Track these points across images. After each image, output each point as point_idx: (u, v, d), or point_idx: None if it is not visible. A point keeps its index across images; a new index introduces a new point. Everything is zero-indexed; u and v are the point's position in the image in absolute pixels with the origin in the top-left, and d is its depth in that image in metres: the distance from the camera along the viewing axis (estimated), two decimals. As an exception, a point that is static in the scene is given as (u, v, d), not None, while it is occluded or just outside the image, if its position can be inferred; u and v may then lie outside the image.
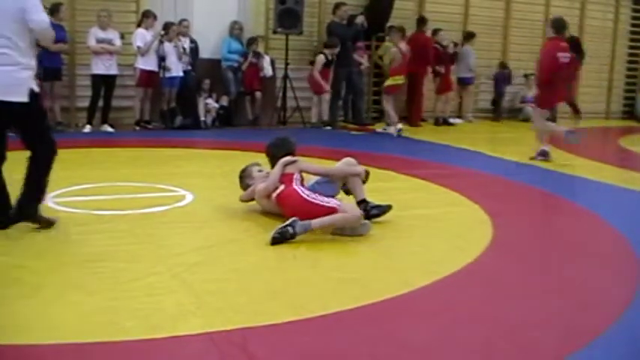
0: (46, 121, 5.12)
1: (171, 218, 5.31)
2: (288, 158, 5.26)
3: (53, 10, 9.77)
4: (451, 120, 13.13)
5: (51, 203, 5.53)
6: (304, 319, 3.33)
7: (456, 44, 13.30)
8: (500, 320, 3.46)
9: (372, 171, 7.15)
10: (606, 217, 5.67)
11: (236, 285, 3.86)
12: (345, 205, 4.86)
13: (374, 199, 5.37)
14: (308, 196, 4.89)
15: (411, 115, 12.67)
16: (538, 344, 3.18)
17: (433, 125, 12.89)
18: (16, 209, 4.78)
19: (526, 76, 14.63)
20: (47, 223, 4.81)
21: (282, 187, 5.09)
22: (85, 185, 6.21)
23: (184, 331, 3.13)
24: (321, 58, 11.54)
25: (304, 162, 5.34)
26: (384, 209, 5.29)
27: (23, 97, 4.56)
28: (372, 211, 5.21)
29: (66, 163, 7.46)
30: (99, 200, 5.70)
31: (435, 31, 13.02)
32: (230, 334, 3.12)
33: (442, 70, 12.97)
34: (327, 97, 11.75)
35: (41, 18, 4.58)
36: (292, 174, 5.12)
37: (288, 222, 4.62)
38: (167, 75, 10.68)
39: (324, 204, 4.79)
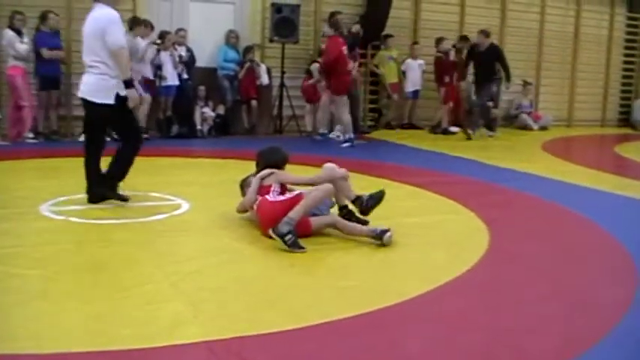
0: (130, 121, 6.00)
1: (167, 227, 5.31)
2: (265, 172, 5.27)
3: (42, 18, 9.80)
4: (451, 128, 13.10)
5: (48, 212, 5.53)
6: (302, 327, 3.33)
7: (458, 50, 13.25)
8: (498, 327, 3.47)
9: (368, 179, 7.20)
10: (603, 224, 5.68)
11: (233, 293, 3.86)
12: (314, 188, 4.94)
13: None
14: (275, 198, 4.96)
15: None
16: (537, 350, 3.19)
17: (428, 133, 12.88)
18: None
19: (525, 84, 14.65)
20: (120, 199, 5.81)
21: (259, 200, 5.12)
22: (82, 194, 6.19)
23: (181, 340, 3.12)
24: (316, 66, 11.56)
25: (283, 173, 5.34)
26: (379, 195, 5.34)
27: (109, 100, 5.62)
28: (368, 204, 5.28)
29: (63, 171, 7.53)
30: (96, 209, 5.70)
31: (439, 40, 13.05)
32: (227, 342, 3.11)
33: (447, 79, 12.95)
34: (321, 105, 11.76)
35: (112, 40, 5.53)
36: (269, 186, 5.15)
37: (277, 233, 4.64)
38: (163, 84, 10.68)
39: (290, 196, 4.92)
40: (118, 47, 5.56)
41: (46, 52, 9.76)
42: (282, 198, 4.98)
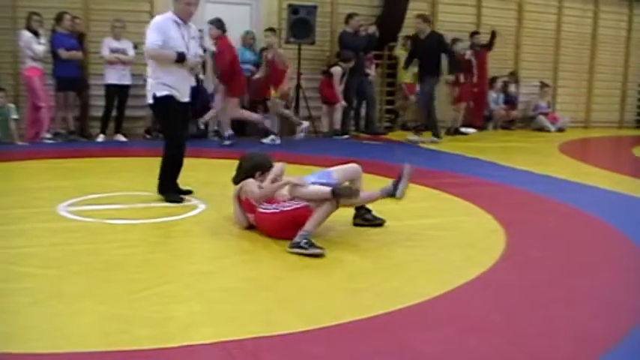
0: (166, 124, 6.28)
1: (183, 227, 5.33)
2: (236, 190, 5.27)
3: (58, 19, 9.87)
4: (463, 129, 13.07)
5: (65, 212, 5.56)
6: (316, 328, 3.33)
7: (474, 51, 13.19)
8: (512, 330, 3.44)
9: (384, 180, 7.17)
10: (620, 227, 5.63)
11: (248, 294, 3.86)
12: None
13: (388, 208, 5.40)
14: (275, 208, 4.90)
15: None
16: (552, 354, 3.17)
17: (445, 134, 12.83)
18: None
19: (542, 85, 14.61)
20: (175, 200, 6.04)
21: (251, 217, 5.12)
22: (98, 194, 6.24)
23: (196, 340, 3.13)
24: (338, 70, 11.58)
25: (250, 185, 5.20)
26: (375, 222, 5.39)
27: (150, 100, 6.04)
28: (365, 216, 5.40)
29: (79, 172, 7.58)
30: (112, 209, 5.73)
31: (454, 41, 13.02)
32: (242, 343, 3.12)
33: (462, 78, 12.90)
34: (339, 107, 11.77)
35: (146, 45, 5.95)
36: (248, 200, 5.12)
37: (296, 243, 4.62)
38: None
39: (294, 207, 4.83)
40: (148, 49, 5.93)
41: (64, 53, 9.82)
42: (287, 208, 4.87)
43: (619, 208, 6.59)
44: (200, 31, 11.08)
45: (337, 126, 11.79)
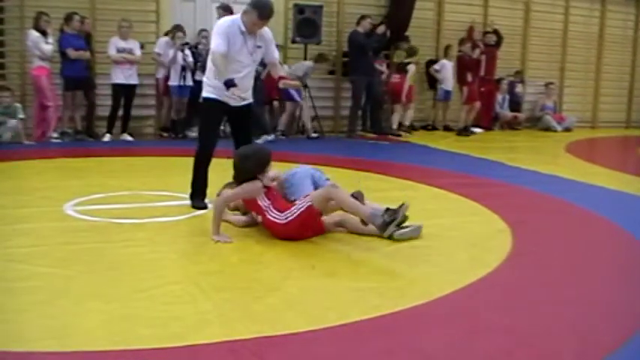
0: (202, 124, 6.16)
1: (190, 227, 5.33)
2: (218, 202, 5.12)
3: (67, 19, 9.89)
4: (472, 129, 13.03)
5: (71, 212, 5.58)
6: (322, 328, 3.33)
7: (482, 51, 13.16)
8: (519, 330, 3.44)
9: (391, 180, 7.18)
10: (627, 227, 5.62)
11: (255, 294, 3.86)
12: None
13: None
14: (286, 218, 4.86)
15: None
16: (557, 355, 3.16)
17: (455, 135, 12.79)
18: None
19: (548, 85, 14.61)
20: (200, 207, 5.84)
21: (259, 218, 5.08)
22: (105, 194, 6.25)
23: (203, 340, 3.13)
24: (413, 68, 12.00)
25: (227, 192, 5.22)
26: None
27: (200, 99, 6.03)
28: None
29: (86, 171, 7.60)
30: (119, 209, 5.73)
31: (461, 41, 13.00)
32: (248, 343, 3.12)
33: (470, 77, 12.88)
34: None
35: (211, 47, 5.70)
36: (256, 201, 5.05)
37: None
38: (173, 84, 10.71)
39: (300, 211, 4.84)
40: (211, 52, 5.73)
41: (72, 53, 9.85)
42: (290, 217, 4.86)
43: (626, 209, 6.57)
44: (204, 30, 11.15)
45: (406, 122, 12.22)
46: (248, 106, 6.05)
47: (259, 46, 5.80)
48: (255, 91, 11.23)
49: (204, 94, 5.89)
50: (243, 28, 5.64)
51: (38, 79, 9.77)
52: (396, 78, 12.31)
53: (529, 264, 4.61)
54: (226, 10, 9.64)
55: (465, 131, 12.76)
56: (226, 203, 5.17)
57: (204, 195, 5.95)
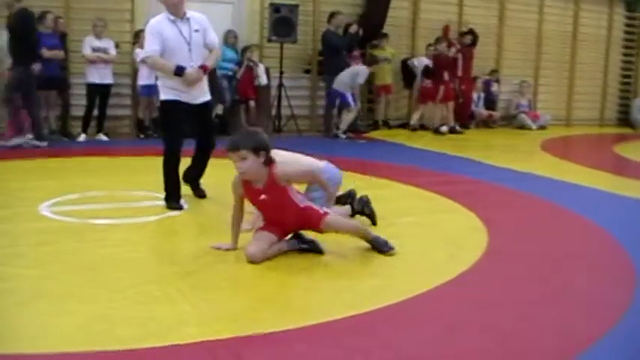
0: (165, 126, 6.04)
1: (166, 227, 5.32)
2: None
3: (40, 18, 9.79)
4: (442, 128, 13.07)
5: (46, 212, 5.54)
6: (299, 327, 3.33)
7: (458, 50, 13.22)
8: (496, 328, 3.47)
9: (366, 179, 7.20)
10: (602, 224, 5.69)
11: (232, 293, 3.87)
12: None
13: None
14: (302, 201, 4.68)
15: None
16: (535, 351, 3.19)
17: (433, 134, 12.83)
18: None
19: (522, 83, 14.74)
20: (175, 208, 5.80)
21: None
22: (80, 194, 6.21)
23: (180, 340, 3.12)
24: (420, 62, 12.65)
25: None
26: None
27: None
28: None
29: (61, 171, 7.55)
30: (95, 209, 5.70)
31: (437, 40, 13.05)
32: (226, 342, 3.12)
33: (446, 76, 12.92)
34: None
35: (144, 52, 5.95)
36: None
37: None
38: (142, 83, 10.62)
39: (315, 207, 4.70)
40: (147, 61, 6.05)
41: (46, 52, 9.75)
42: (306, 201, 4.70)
43: (601, 206, 6.66)
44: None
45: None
46: (207, 104, 6.05)
47: (197, 30, 5.84)
48: (230, 89, 11.41)
49: (162, 96, 5.90)
50: (172, 17, 5.75)
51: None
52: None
53: (505, 261, 4.65)
54: None
55: (436, 130, 12.84)
56: (235, 211, 4.74)
57: (178, 196, 5.93)
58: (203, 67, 5.82)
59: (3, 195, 6.18)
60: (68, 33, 10.54)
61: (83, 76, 10.36)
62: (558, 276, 4.36)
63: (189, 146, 6.08)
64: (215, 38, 6.14)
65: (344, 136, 11.39)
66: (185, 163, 6.10)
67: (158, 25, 5.74)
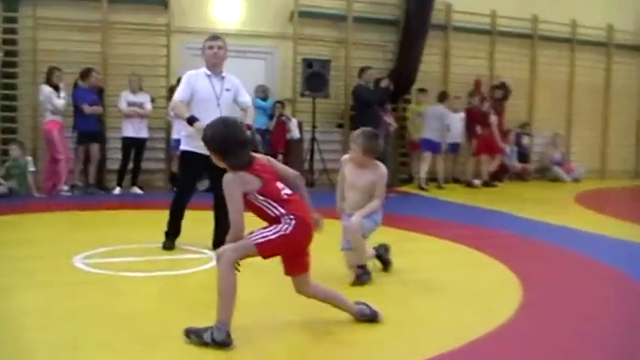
0: (180, 173, 6.57)
1: (198, 280, 5.33)
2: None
3: (83, 75, 10.07)
4: (475, 181, 13.03)
5: (81, 264, 5.58)
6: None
7: (491, 105, 13.22)
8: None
9: (399, 232, 7.17)
10: (638, 278, 5.58)
11: (270, 340, 3.84)
12: None
13: (399, 262, 5.39)
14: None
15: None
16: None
17: (465, 187, 12.78)
18: None
19: (555, 136, 14.67)
20: (167, 248, 6.22)
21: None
22: (114, 246, 6.27)
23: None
24: (495, 119, 12.81)
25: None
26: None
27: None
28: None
29: (95, 224, 7.63)
30: (128, 262, 5.74)
31: (471, 94, 13.10)
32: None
33: (479, 130, 12.93)
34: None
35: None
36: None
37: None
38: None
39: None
40: (172, 103, 6.51)
41: (87, 109, 10.03)
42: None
43: (637, 259, 6.54)
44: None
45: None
46: None
47: (228, 89, 6.25)
48: (264, 143, 11.51)
49: (182, 146, 6.29)
50: (209, 72, 6.19)
51: (50, 132, 9.89)
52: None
53: (540, 316, 4.56)
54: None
55: (488, 183, 12.83)
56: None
57: (175, 236, 6.34)
58: (248, 126, 6.06)
59: (38, 246, 6.26)
60: (106, 88, 10.77)
61: (119, 130, 10.55)
62: (594, 331, 4.27)
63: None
64: (248, 98, 6.55)
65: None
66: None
67: (194, 77, 6.19)
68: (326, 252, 5.04)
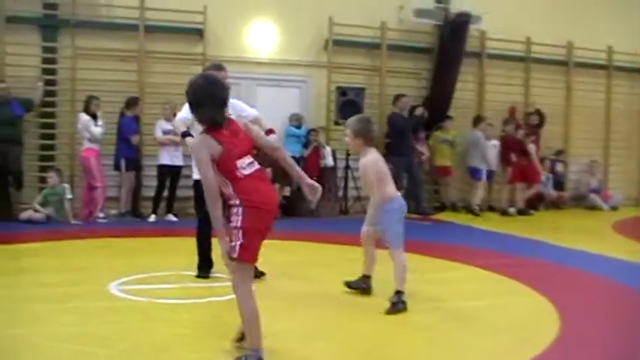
0: (200, 202, 5.93)
1: (233, 307, 5.31)
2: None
3: (130, 104, 10.29)
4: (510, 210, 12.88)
5: (115, 291, 5.63)
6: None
7: (526, 132, 13.12)
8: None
9: (433, 261, 7.11)
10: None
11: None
12: None
13: (436, 290, 5.37)
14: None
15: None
16: None
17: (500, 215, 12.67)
18: None
19: (590, 163, 14.49)
20: (201, 277, 6.22)
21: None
22: (149, 274, 6.31)
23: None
24: (532, 147, 12.87)
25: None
26: None
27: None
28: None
29: (131, 251, 7.69)
30: (162, 289, 5.77)
31: (505, 122, 13.04)
32: None
33: (514, 157, 12.84)
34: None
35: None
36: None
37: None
38: None
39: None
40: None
41: (134, 139, 10.26)
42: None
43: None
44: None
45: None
46: None
47: (239, 116, 6.13)
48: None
49: (194, 175, 6.22)
50: None
51: (87, 160, 10.04)
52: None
53: (578, 347, 4.49)
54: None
55: (523, 212, 12.74)
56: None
57: (207, 269, 6.32)
58: (270, 130, 6.36)
59: (74, 273, 6.33)
60: (141, 117, 10.93)
61: (154, 158, 10.67)
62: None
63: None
64: (252, 110, 6.69)
65: None
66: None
67: None
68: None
